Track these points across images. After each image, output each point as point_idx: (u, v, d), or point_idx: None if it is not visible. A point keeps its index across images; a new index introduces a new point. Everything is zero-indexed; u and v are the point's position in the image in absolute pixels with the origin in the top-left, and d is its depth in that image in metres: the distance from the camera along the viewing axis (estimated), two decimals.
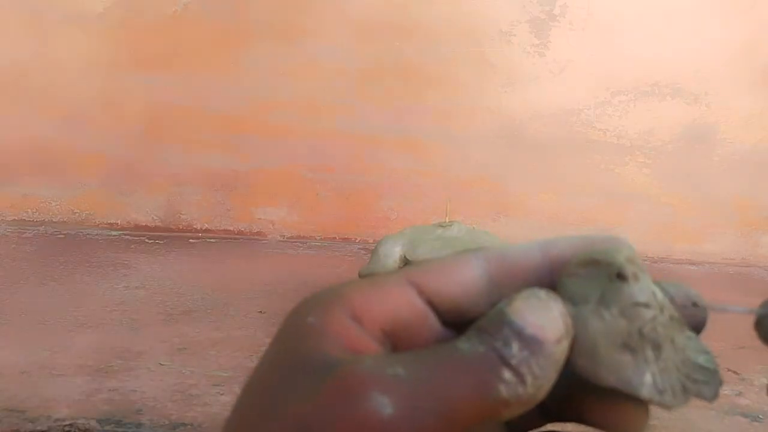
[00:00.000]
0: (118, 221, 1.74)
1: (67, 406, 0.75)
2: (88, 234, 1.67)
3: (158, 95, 1.72)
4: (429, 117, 1.75)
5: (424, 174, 1.77)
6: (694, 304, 0.20)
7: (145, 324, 1.04)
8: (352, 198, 1.77)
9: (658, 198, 1.79)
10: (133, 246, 1.57)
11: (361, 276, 1.04)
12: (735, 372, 0.99)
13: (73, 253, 1.46)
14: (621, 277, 0.18)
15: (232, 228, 1.76)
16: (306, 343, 0.17)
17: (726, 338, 1.16)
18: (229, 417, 0.18)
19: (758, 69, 1.74)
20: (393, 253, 1.00)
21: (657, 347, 0.18)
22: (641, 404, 0.18)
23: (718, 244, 1.80)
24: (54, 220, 1.72)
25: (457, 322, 0.20)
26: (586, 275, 0.19)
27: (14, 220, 1.71)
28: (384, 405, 0.15)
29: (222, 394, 0.80)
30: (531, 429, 0.21)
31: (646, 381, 0.17)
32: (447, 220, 1.03)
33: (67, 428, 0.71)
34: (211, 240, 1.70)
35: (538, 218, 1.78)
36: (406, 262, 0.97)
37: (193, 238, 1.69)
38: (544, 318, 0.17)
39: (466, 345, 0.16)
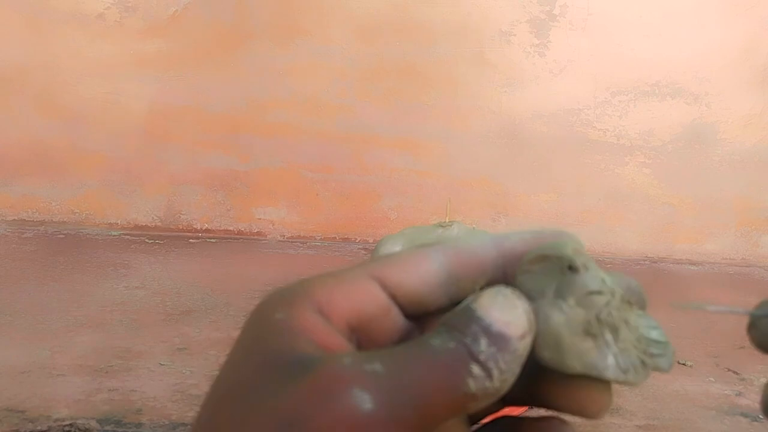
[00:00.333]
0: (118, 221, 1.74)
1: (67, 406, 0.75)
2: (88, 234, 1.67)
3: (158, 95, 1.72)
4: (429, 117, 1.75)
5: (424, 174, 1.77)
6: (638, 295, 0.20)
7: (145, 324, 1.04)
8: (352, 198, 1.77)
9: (658, 198, 1.79)
10: (133, 246, 1.57)
11: None
12: (735, 372, 0.99)
13: (73, 253, 1.46)
14: (572, 269, 0.19)
15: (232, 228, 1.76)
16: (277, 340, 0.17)
17: (726, 338, 1.16)
18: (198, 415, 0.18)
19: (758, 69, 1.74)
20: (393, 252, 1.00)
21: (614, 330, 0.19)
22: (604, 385, 0.19)
23: (718, 244, 1.80)
24: (54, 220, 1.72)
25: (418, 314, 0.20)
26: (539, 271, 0.19)
27: (14, 220, 1.71)
28: (364, 400, 0.15)
29: None
30: (489, 413, 0.21)
31: (609, 363, 0.18)
32: (447, 220, 1.03)
33: (67, 428, 0.71)
34: (211, 240, 1.70)
35: (538, 218, 1.78)
36: None
37: (193, 238, 1.69)
38: (510, 315, 0.17)
39: (437, 341, 0.17)
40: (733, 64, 1.74)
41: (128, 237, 1.66)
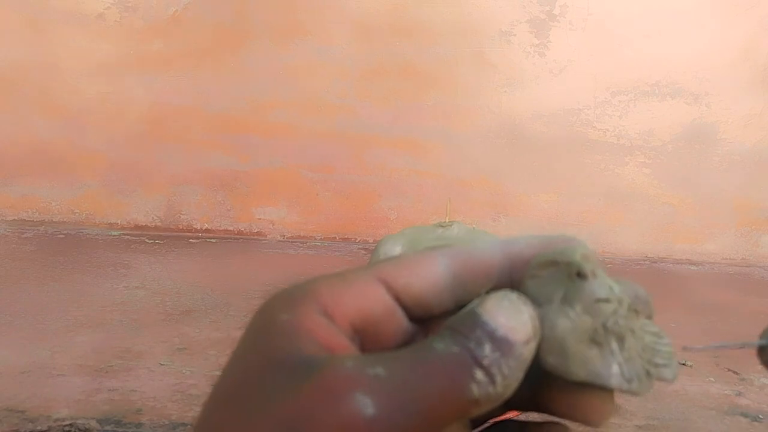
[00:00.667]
0: (118, 221, 1.74)
1: (67, 406, 0.75)
2: (88, 234, 1.67)
3: (158, 95, 1.72)
4: (429, 117, 1.75)
5: (424, 174, 1.77)
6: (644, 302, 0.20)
7: (145, 324, 1.04)
8: (352, 198, 1.77)
9: (658, 198, 1.79)
10: (133, 246, 1.57)
11: None
12: (735, 372, 0.99)
13: (73, 253, 1.46)
14: (581, 275, 0.19)
15: (232, 228, 1.76)
16: (281, 341, 0.17)
17: (726, 339, 1.16)
18: (201, 414, 0.18)
19: (758, 69, 1.74)
20: (393, 253, 1.00)
21: (620, 339, 0.19)
22: (607, 393, 0.19)
23: (718, 244, 1.80)
24: (54, 220, 1.72)
25: (423, 317, 0.20)
26: (547, 276, 0.19)
27: (14, 220, 1.71)
28: (366, 405, 0.15)
29: None
30: (492, 417, 0.21)
31: (614, 372, 0.18)
32: (447, 220, 1.03)
33: (67, 428, 0.71)
34: (211, 240, 1.70)
35: (538, 218, 1.78)
36: None
37: (193, 238, 1.69)
38: (515, 320, 0.17)
39: (441, 345, 0.17)
40: (733, 64, 1.74)
41: (128, 237, 1.66)
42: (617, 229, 1.79)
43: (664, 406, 0.84)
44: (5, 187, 1.71)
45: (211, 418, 0.17)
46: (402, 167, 1.76)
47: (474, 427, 0.21)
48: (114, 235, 1.67)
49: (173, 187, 1.74)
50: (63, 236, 1.63)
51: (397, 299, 0.20)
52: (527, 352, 0.17)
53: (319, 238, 1.76)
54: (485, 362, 0.16)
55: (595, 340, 0.18)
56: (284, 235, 1.76)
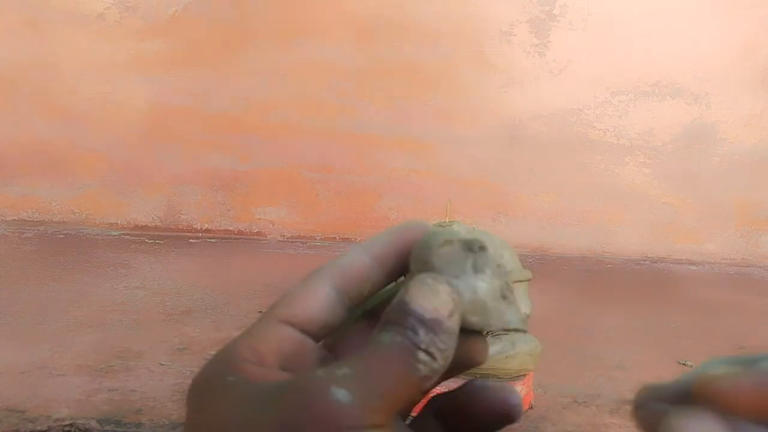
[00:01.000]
0: (118, 221, 1.74)
1: (67, 406, 0.75)
2: (88, 234, 1.67)
3: (158, 95, 1.72)
4: (429, 117, 1.75)
5: (424, 174, 1.77)
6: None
7: (145, 324, 1.04)
8: (352, 198, 1.77)
9: (658, 198, 1.79)
10: (133, 246, 1.57)
11: None
12: None
13: (73, 253, 1.46)
14: (482, 248, 0.23)
15: (232, 228, 1.76)
16: (242, 388, 0.20)
17: (726, 338, 1.16)
18: None
19: (758, 69, 1.74)
20: None
21: (512, 291, 0.23)
22: (485, 338, 0.23)
23: (718, 244, 1.80)
24: (54, 220, 1.72)
25: (326, 334, 0.24)
26: (446, 254, 0.22)
27: (14, 220, 1.71)
28: (343, 395, 0.18)
29: None
30: (415, 403, 0.25)
31: (515, 318, 0.22)
32: (447, 220, 1.03)
33: (67, 428, 0.71)
34: (211, 240, 1.70)
35: (538, 218, 1.79)
36: None
37: (193, 238, 1.69)
38: (436, 301, 0.20)
39: (386, 337, 0.20)
40: (733, 64, 1.74)
41: (128, 237, 1.66)
42: (617, 229, 1.79)
43: None
44: (5, 187, 1.71)
45: None
46: (402, 167, 1.76)
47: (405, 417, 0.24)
48: (114, 235, 1.67)
49: (173, 187, 1.74)
50: (63, 236, 1.63)
51: (303, 331, 0.23)
52: (453, 324, 0.20)
53: (319, 238, 1.76)
54: (422, 345, 0.19)
55: (504, 296, 0.22)
56: (284, 235, 1.76)
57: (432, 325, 0.20)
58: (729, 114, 1.76)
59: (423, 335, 0.20)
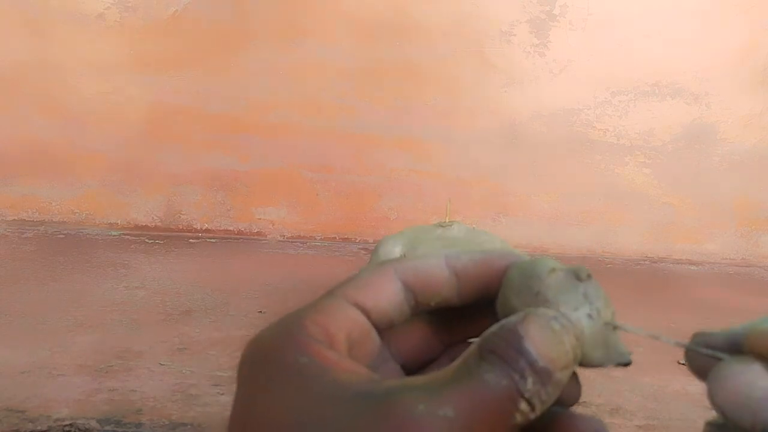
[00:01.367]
0: (118, 221, 1.74)
1: (67, 406, 0.75)
2: (88, 234, 1.67)
3: (158, 95, 1.72)
4: (429, 117, 1.75)
5: (424, 174, 1.77)
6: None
7: (145, 324, 1.04)
8: (352, 198, 1.77)
9: (658, 198, 1.79)
10: (133, 246, 1.57)
11: None
12: None
13: (73, 253, 1.46)
14: (589, 275, 0.21)
15: (232, 228, 1.76)
16: (321, 378, 0.18)
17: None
18: None
19: (758, 69, 1.74)
20: (393, 253, 1.00)
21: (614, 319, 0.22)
22: (577, 377, 0.22)
23: (718, 244, 1.80)
24: (54, 220, 1.72)
25: (387, 327, 0.22)
26: (553, 283, 0.21)
27: (14, 220, 1.71)
28: None
29: (222, 394, 0.80)
30: None
31: (626, 350, 0.21)
32: (447, 220, 1.03)
33: (67, 428, 0.71)
34: (211, 240, 1.70)
35: (538, 218, 1.79)
36: None
37: (193, 238, 1.69)
38: (557, 351, 0.19)
39: (491, 377, 0.18)
40: (733, 64, 1.74)
41: (128, 237, 1.66)
42: (617, 229, 1.79)
43: (664, 406, 0.84)
44: (5, 187, 1.71)
45: None
46: (402, 167, 1.76)
47: None
48: (114, 235, 1.67)
49: (173, 187, 1.74)
50: (63, 236, 1.63)
51: (368, 318, 0.22)
52: (564, 378, 0.19)
53: (319, 238, 1.76)
54: (527, 394, 0.18)
55: (615, 327, 0.21)
56: (284, 235, 1.76)
57: (542, 375, 0.18)
58: (729, 114, 1.76)
59: (530, 384, 0.18)
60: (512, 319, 0.19)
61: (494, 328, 0.19)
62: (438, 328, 0.25)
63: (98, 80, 1.70)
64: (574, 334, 0.19)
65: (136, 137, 1.73)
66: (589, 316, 0.20)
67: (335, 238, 1.76)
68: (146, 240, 1.64)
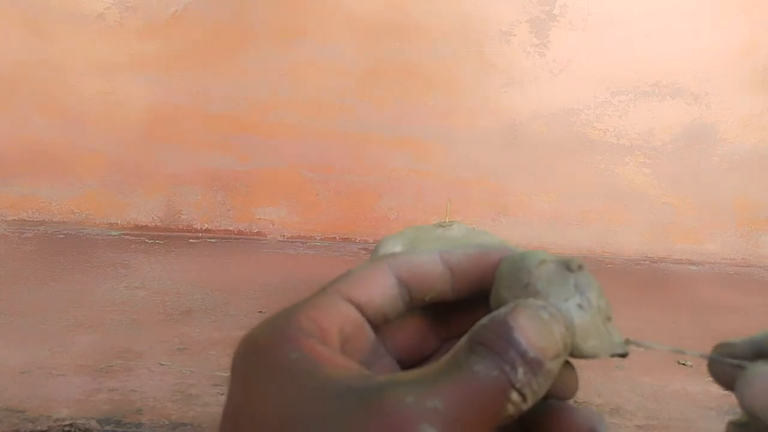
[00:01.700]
0: (118, 221, 1.74)
1: (67, 406, 0.75)
2: (88, 234, 1.67)
3: (158, 95, 1.72)
4: (429, 117, 1.75)
5: (424, 174, 1.77)
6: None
7: (145, 324, 1.04)
8: (352, 198, 1.77)
9: (658, 198, 1.79)
10: (133, 246, 1.57)
11: None
12: None
13: (73, 253, 1.46)
14: (581, 266, 0.21)
15: (232, 228, 1.76)
16: (312, 375, 0.18)
17: (726, 338, 1.16)
18: None
19: (758, 69, 1.74)
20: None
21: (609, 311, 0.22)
22: (574, 369, 0.21)
23: (718, 244, 1.80)
24: (54, 220, 1.72)
25: (380, 323, 0.22)
26: (544, 274, 0.21)
27: (14, 220, 1.71)
28: None
29: (222, 394, 0.80)
30: None
31: (621, 339, 0.21)
32: (447, 220, 1.03)
33: (67, 428, 0.71)
34: (211, 240, 1.70)
35: (538, 218, 1.79)
36: None
37: (193, 238, 1.69)
38: (547, 340, 0.19)
39: (481, 368, 0.18)
40: (732, 64, 1.74)
41: (128, 237, 1.66)
42: (617, 229, 1.79)
43: (664, 406, 0.84)
44: (5, 187, 1.71)
45: None
46: (402, 167, 1.76)
47: None
48: (114, 235, 1.67)
49: (173, 187, 1.74)
50: (63, 236, 1.63)
51: (362, 313, 0.22)
52: (556, 366, 0.19)
53: (319, 238, 1.76)
54: (518, 384, 0.18)
55: (608, 317, 0.21)
56: (284, 235, 1.76)
57: (533, 365, 0.18)
58: (729, 114, 1.76)
59: (521, 375, 0.18)
60: (501, 310, 0.19)
61: (484, 320, 0.19)
62: (433, 323, 0.24)
63: (98, 80, 1.70)
64: (563, 324, 0.19)
65: (136, 137, 1.73)
66: (580, 306, 0.20)
67: (335, 238, 1.76)
68: (146, 240, 1.64)
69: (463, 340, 0.19)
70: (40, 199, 1.72)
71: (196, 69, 1.71)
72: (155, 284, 1.26)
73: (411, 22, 1.71)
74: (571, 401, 0.21)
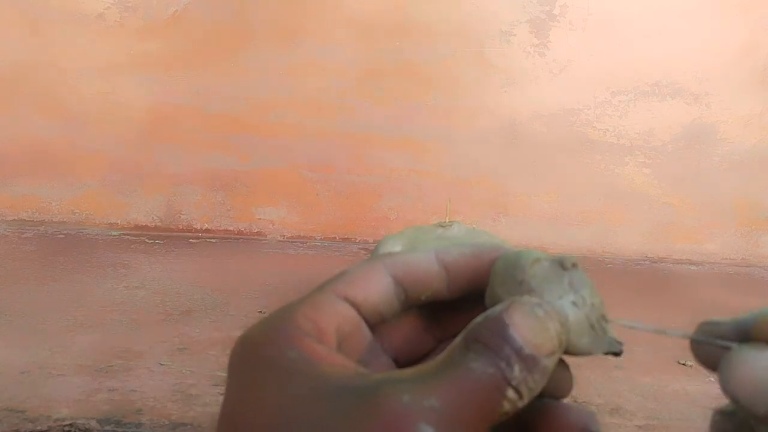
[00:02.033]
0: (118, 221, 1.74)
1: (67, 406, 0.75)
2: (88, 234, 1.67)
3: (158, 95, 1.72)
4: (429, 117, 1.75)
5: (424, 174, 1.77)
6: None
7: (145, 324, 1.04)
8: (352, 198, 1.77)
9: (658, 198, 1.79)
10: (133, 246, 1.57)
11: None
12: None
13: (73, 253, 1.46)
14: (575, 264, 0.21)
15: (232, 228, 1.76)
16: (308, 373, 0.18)
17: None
18: None
19: (758, 69, 1.74)
20: None
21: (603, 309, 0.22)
22: (568, 368, 0.21)
23: (718, 244, 1.80)
24: (54, 220, 1.72)
25: (377, 322, 0.22)
26: (539, 273, 0.21)
27: (14, 220, 1.71)
28: None
29: (222, 394, 0.79)
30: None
31: (614, 338, 0.21)
32: (447, 220, 1.03)
33: (67, 428, 0.71)
34: (211, 240, 1.70)
35: (538, 218, 1.78)
36: None
37: (193, 238, 1.69)
38: (542, 337, 0.19)
39: (477, 366, 0.18)
40: (732, 64, 1.74)
41: (128, 237, 1.66)
42: (617, 229, 1.79)
43: (664, 406, 0.84)
44: (5, 187, 1.71)
45: None
46: (402, 167, 1.76)
47: None
48: (114, 235, 1.67)
49: (173, 187, 1.74)
50: (63, 236, 1.63)
51: (359, 312, 0.22)
52: (551, 363, 0.19)
53: (319, 238, 1.76)
54: (514, 382, 0.18)
55: (603, 315, 0.21)
56: (284, 235, 1.76)
57: (528, 362, 0.18)
58: (729, 114, 1.76)
59: (517, 372, 0.18)
60: (497, 308, 0.19)
61: (479, 318, 0.19)
62: (430, 322, 0.25)
63: (98, 80, 1.70)
64: (558, 321, 0.19)
65: (136, 137, 1.73)
66: (574, 303, 0.20)
67: (335, 238, 1.76)
68: (146, 240, 1.64)
69: (459, 338, 0.19)
70: (40, 199, 1.72)
71: (196, 69, 1.71)
72: (155, 284, 1.26)
73: (411, 22, 1.71)
74: (566, 400, 0.21)
